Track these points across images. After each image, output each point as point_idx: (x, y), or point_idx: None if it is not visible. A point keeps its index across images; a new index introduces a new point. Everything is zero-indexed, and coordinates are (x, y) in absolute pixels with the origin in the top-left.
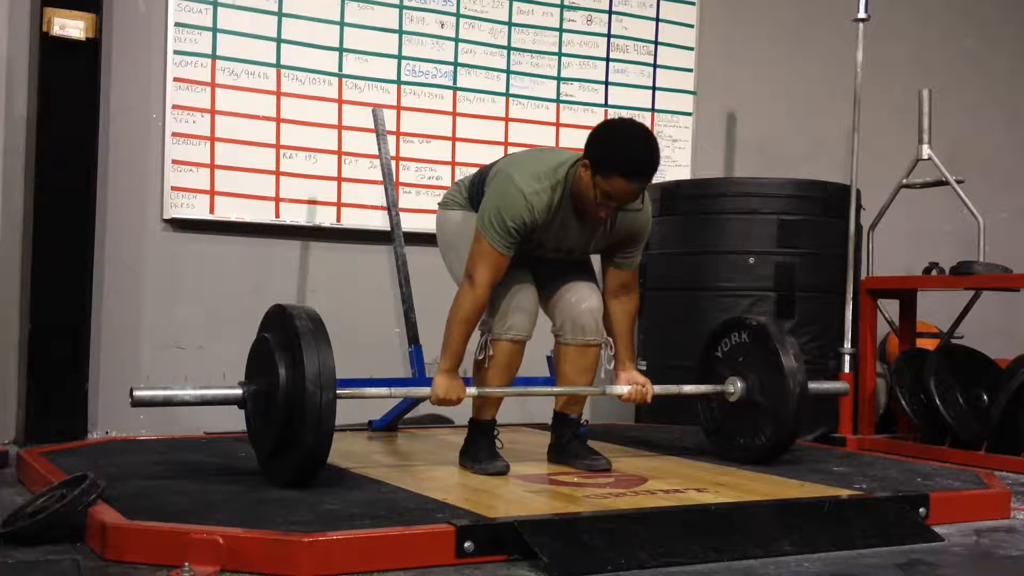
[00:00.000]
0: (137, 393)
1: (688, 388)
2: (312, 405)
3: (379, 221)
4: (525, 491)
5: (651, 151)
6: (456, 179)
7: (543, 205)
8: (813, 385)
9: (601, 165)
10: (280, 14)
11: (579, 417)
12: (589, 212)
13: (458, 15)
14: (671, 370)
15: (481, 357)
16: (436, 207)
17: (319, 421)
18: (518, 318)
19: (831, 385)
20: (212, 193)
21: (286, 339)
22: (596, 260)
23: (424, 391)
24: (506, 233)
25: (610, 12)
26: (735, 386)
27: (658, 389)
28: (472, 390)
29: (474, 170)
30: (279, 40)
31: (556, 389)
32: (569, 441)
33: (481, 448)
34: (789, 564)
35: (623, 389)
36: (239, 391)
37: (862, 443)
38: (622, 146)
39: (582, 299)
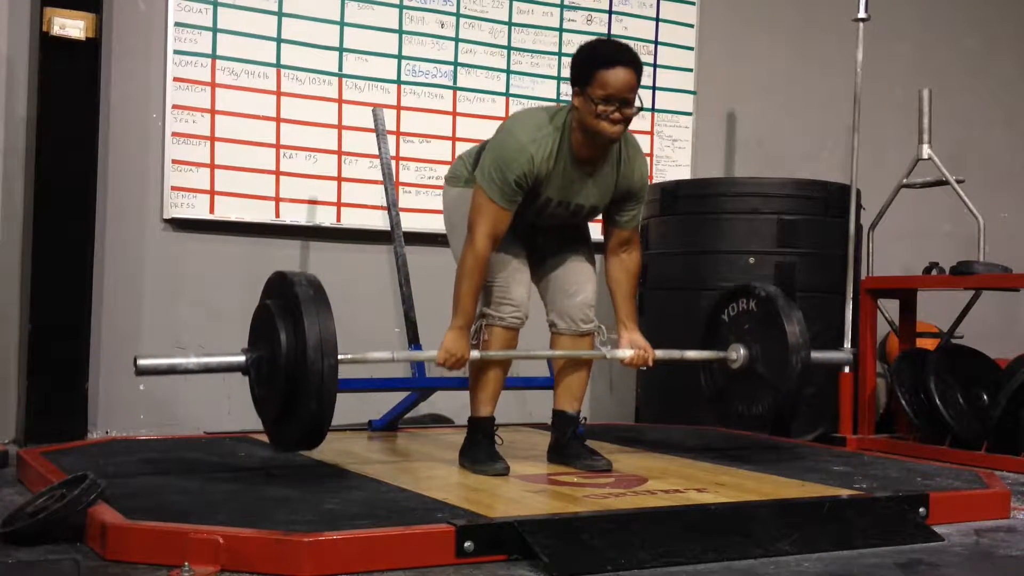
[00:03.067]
0: (141, 362)
1: (691, 353)
2: (314, 371)
3: (379, 221)
4: (525, 491)
5: (619, 42)
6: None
7: (544, 153)
8: (816, 355)
9: (583, 75)
10: (280, 14)
11: (578, 414)
12: (598, 138)
13: (458, 15)
14: (672, 370)
15: (476, 343)
16: (436, 206)
17: (321, 387)
18: (513, 304)
19: (834, 355)
20: (212, 193)
21: (287, 305)
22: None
23: (429, 354)
24: (507, 185)
25: (610, 12)
26: (738, 353)
27: (660, 354)
28: (475, 353)
29: None
30: (279, 40)
31: (559, 352)
32: (569, 441)
33: (481, 448)
34: (789, 564)
35: (626, 353)
36: (242, 358)
37: (862, 443)
38: (591, 49)
39: (576, 291)
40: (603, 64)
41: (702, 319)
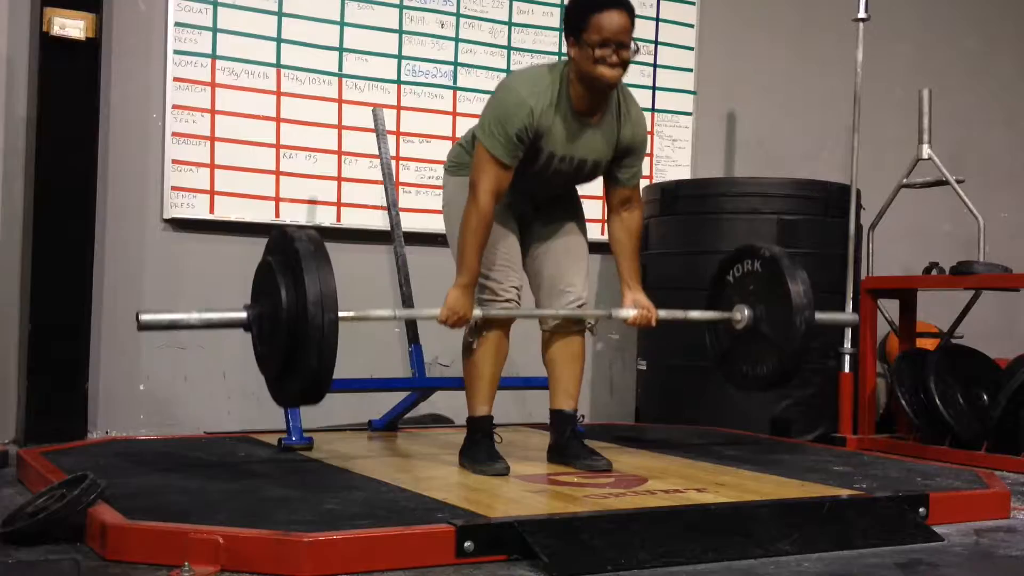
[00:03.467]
0: (143, 317)
1: (694, 314)
2: (314, 326)
3: (379, 221)
4: (525, 491)
5: None
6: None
7: (544, 105)
8: (821, 316)
9: (577, 22)
10: (280, 14)
11: (575, 412)
12: (596, 83)
13: (458, 15)
14: (672, 370)
15: (471, 339)
16: (436, 206)
17: (322, 342)
18: (503, 299)
19: (840, 316)
20: (212, 193)
21: (288, 261)
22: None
23: (431, 312)
24: (508, 140)
25: None
26: (742, 314)
27: (663, 314)
28: (478, 311)
29: None
30: (279, 40)
31: (562, 312)
32: (568, 440)
33: (480, 448)
34: (789, 564)
35: (629, 313)
36: (243, 314)
37: (862, 443)
38: None
39: (567, 290)
40: (596, 8)
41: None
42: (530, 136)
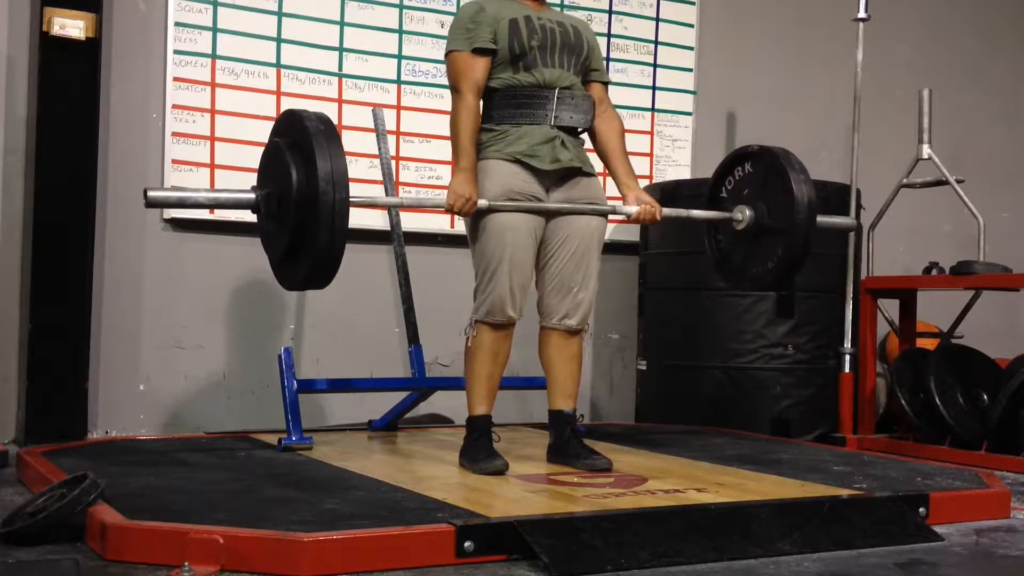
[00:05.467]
0: (151, 194)
1: (697, 213)
2: (325, 203)
3: (379, 221)
4: (525, 491)
5: None
6: None
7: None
8: (820, 218)
9: None
10: (280, 14)
11: (574, 412)
12: None
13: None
14: (672, 370)
15: (469, 342)
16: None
17: (333, 219)
18: (499, 302)
19: (839, 219)
20: None
21: (298, 141)
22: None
23: (438, 199)
24: (467, 31)
25: (610, 12)
26: (743, 213)
27: (667, 211)
28: (483, 202)
29: None
30: (279, 40)
31: (566, 207)
32: (568, 440)
33: (480, 448)
34: (789, 564)
35: (633, 209)
36: (251, 195)
37: (862, 443)
38: None
39: (574, 290)
40: None
41: (702, 319)
42: (489, 22)
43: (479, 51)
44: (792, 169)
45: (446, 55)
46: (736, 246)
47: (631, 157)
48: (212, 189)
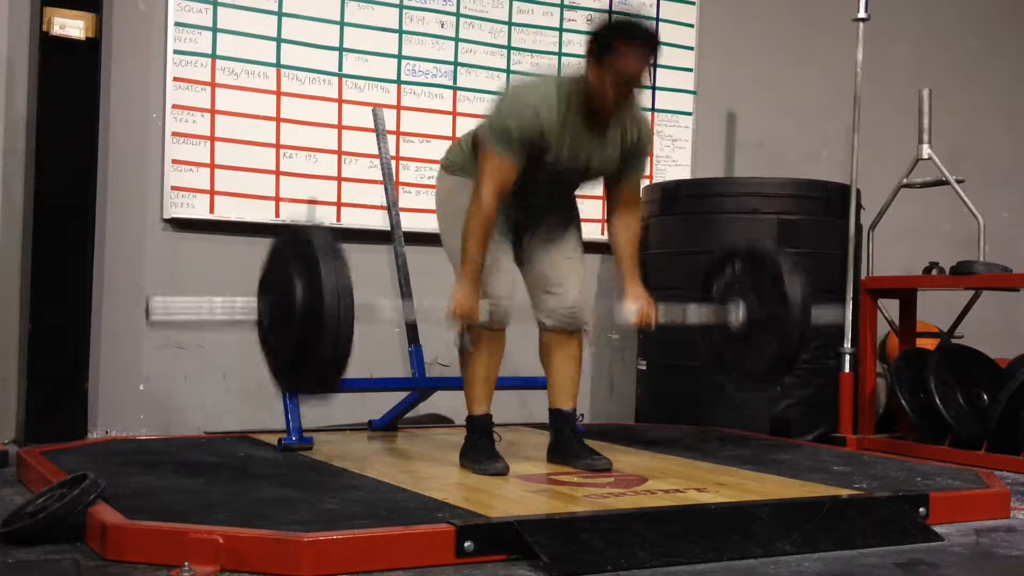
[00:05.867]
0: (154, 305)
1: (693, 311)
2: (331, 317)
3: (379, 221)
4: (525, 491)
5: (641, 19)
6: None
7: (550, 102)
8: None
9: (603, 44)
10: (280, 14)
11: (574, 411)
12: (607, 101)
13: (458, 15)
14: (672, 370)
15: (460, 346)
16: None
17: (338, 333)
18: (494, 306)
19: (829, 312)
20: (212, 193)
21: (301, 252)
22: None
23: (436, 307)
24: (511, 137)
25: (610, 12)
26: (737, 311)
27: (663, 312)
28: (484, 313)
29: None
30: (279, 40)
31: (558, 313)
32: (568, 439)
33: (480, 449)
34: (789, 564)
35: (631, 313)
36: (254, 303)
37: (862, 443)
38: (615, 22)
39: (563, 290)
40: (626, 36)
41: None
42: (536, 133)
43: (508, 161)
44: (783, 263)
45: (483, 141)
46: (730, 343)
47: None
48: (212, 299)
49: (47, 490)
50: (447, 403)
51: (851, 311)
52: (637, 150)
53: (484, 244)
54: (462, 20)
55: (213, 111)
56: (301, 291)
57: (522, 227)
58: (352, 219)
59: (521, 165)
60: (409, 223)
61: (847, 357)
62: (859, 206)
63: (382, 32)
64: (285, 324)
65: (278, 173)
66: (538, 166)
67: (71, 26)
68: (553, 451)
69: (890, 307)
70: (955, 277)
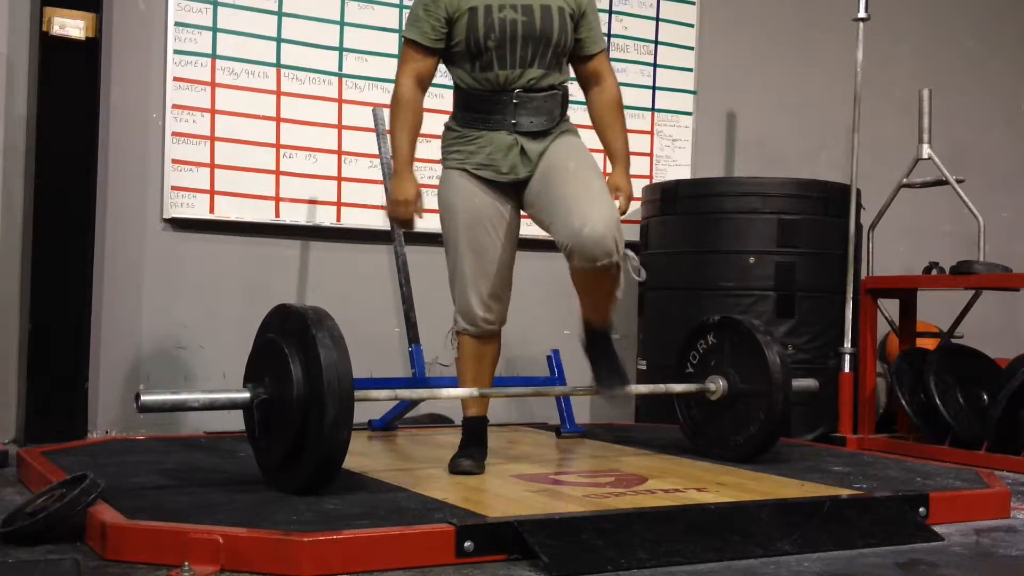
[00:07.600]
0: (144, 399)
1: (675, 387)
2: (329, 411)
3: (379, 221)
4: (525, 491)
5: None
6: None
7: None
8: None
9: None
10: (280, 14)
11: (602, 327)
12: None
13: None
14: (671, 370)
15: (453, 350)
16: (436, 205)
17: (336, 427)
18: (476, 312)
19: (804, 382)
20: (212, 193)
21: (298, 341)
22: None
23: (438, 388)
24: (419, 17)
25: (610, 12)
26: (716, 384)
27: (642, 389)
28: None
29: None
30: (279, 40)
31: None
32: (595, 341)
33: (462, 446)
34: (789, 564)
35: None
36: (247, 395)
37: (862, 443)
38: None
39: (584, 222)
40: None
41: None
42: (452, 7)
43: (416, 46)
44: (759, 332)
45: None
46: (711, 416)
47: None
48: (203, 391)
49: (47, 490)
50: (447, 403)
51: (851, 311)
52: (578, 5)
53: (410, 133)
54: None
55: (213, 111)
56: (298, 381)
57: (519, 189)
58: (352, 219)
59: (440, 45)
60: None
61: (847, 357)
62: (859, 206)
63: (382, 32)
64: (280, 415)
65: (278, 173)
66: (475, 29)
67: (71, 26)
68: (586, 349)
69: (890, 307)
70: (955, 277)
